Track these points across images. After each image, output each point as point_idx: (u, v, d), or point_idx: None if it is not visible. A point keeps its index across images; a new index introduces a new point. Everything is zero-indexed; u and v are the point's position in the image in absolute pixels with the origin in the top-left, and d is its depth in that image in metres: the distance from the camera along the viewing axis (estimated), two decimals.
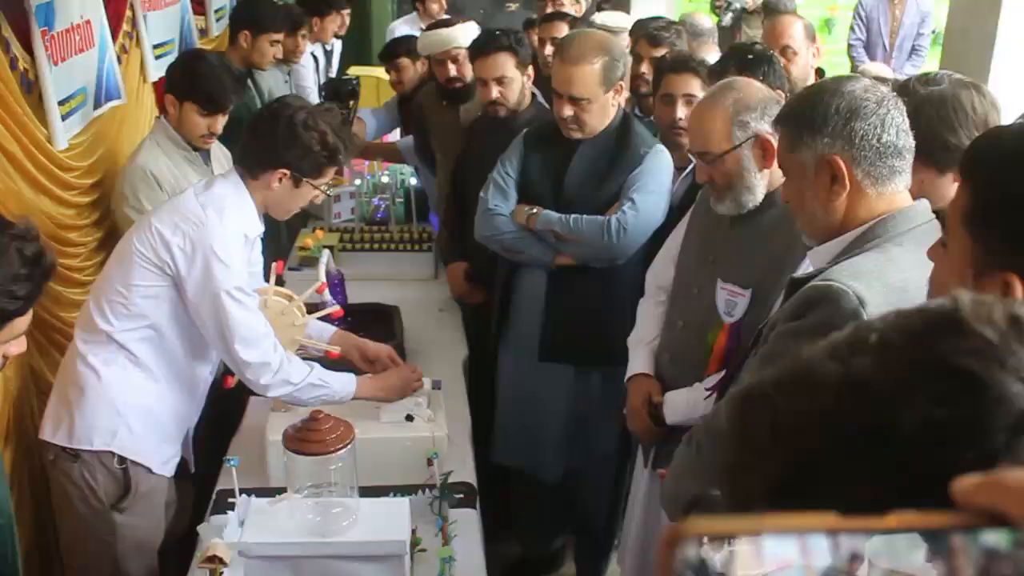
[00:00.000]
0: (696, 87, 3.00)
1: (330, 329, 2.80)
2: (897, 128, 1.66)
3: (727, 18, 6.22)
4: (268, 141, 2.42)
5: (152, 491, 2.48)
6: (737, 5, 6.36)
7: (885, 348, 0.59)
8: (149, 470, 2.47)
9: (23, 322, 1.56)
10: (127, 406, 2.42)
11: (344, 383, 2.53)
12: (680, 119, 3.01)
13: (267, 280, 2.64)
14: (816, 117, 1.68)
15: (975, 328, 0.57)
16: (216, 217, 2.36)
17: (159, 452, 2.49)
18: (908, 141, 1.68)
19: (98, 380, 2.39)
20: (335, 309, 2.82)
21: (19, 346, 1.61)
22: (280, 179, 2.43)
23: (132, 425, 2.42)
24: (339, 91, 4.60)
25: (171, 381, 2.49)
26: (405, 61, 4.55)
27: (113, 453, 2.40)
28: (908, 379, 0.57)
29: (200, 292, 2.34)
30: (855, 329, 0.62)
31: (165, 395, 2.48)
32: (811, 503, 0.56)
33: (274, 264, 2.69)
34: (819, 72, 3.75)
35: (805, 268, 1.97)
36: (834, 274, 1.61)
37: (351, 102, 4.56)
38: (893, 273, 1.58)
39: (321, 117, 2.44)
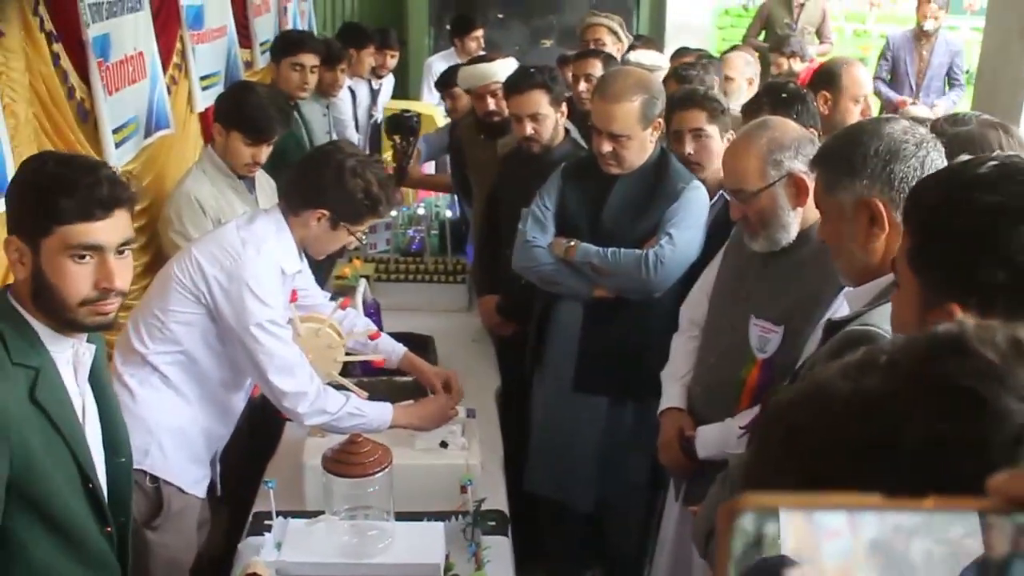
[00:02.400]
0: (703, 120, 3.04)
1: (401, 349, 2.90)
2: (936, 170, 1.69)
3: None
4: (314, 181, 2.48)
5: (184, 510, 2.51)
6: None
7: (893, 368, 0.63)
8: (181, 490, 2.49)
9: (82, 232, 1.67)
10: (159, 426, 2.45)
11: (380, 412, 2.57)
12: (690, 154, 3.05)
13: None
14: (856, 159, 1.68)
15: (978, 349, 0.61)
16: (254, 252, 2.42)
17: (190, 472, 2.52)
18: None
19: (132, 399, 2.42)
20: (373, 331, 2.86)
21: (123, 273, 1.74)
22: (319, 219, 2.49)
23: (164, 445, 2.45)
24: (402, 126, 4.69)
25: (203, 404, 2.53)
26: (459, 90, 4.65)
27: (145, 472, 2.41)
28: (913, 396, 0.61)
29: (235, 324, 2.40)
30: (866, 351, 0.66)
31: (197, 417, 2.52)
32: None
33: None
34: None
35: (841, 309, 1.99)
36: (874, 319, 1.61)
37: (411, 138, 4.66)
38: None
39: (369, 168, 2.50)
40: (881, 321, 1.59)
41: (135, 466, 2.34)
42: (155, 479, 2.44)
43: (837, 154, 1.74)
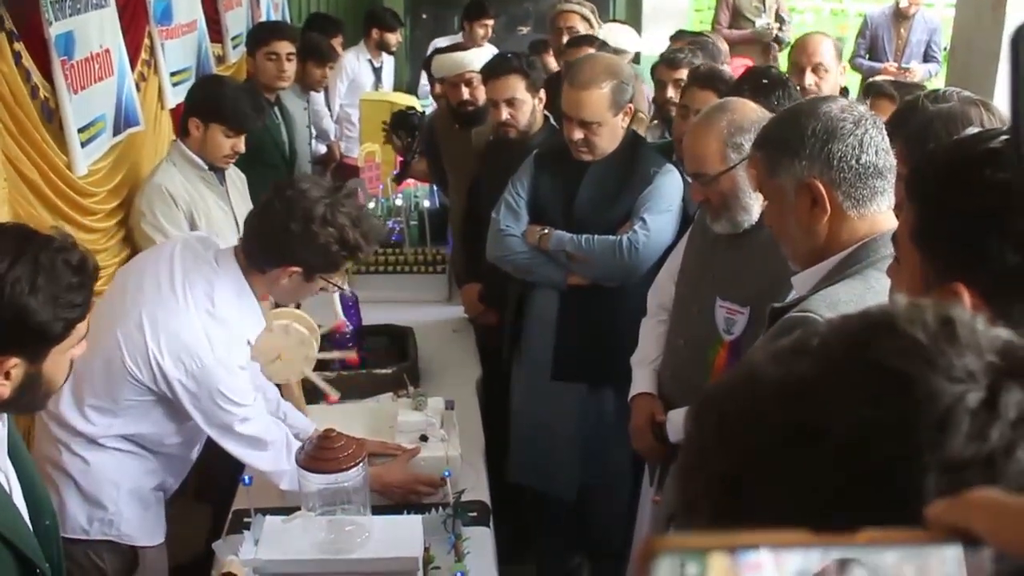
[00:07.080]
0: None
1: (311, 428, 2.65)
2: (876, 148, 1.65)
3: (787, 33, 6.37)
4: (279, 237, 2.27)
5: (157, 558, 2.48)
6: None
7: (823, 351, 0.62)
8: (151, 546, 2.45)
9: (83, 326, 1.67)
10: (121, 492, 2.36)
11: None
12: None
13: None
14: (793, 140, 1.67)
15: (906, 330, 0.60)
16: (222, 351, 2.26)
17: (158, 529, 2.48)
18: (888, 160, 1.67)
19: (87, 467, 2.33)
20: (339, 322, 2.82)
21: (82, 348, 1.72)
22: (290, 275, 2.32)
23: (126, 512, 2.37)
24: (405, 123, 4.66)
25: (159, 459, 2.44)
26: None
27: (115, 542, 2.36)
28: (841, 380, 0.59)
29: (208, 424, 2.33)
30: (800, 335, 0.65)
31: (155, 470, 2.44)
32: (754, 502, 0.59)
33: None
34: (844, 91, 3.77)
35: (790, 294, 1.98)
36: (812, 304, 1.60)
37: (416, 133, 4.63)
38: (872, 302, 1.57)
39: (340, 209, 2.27)
40: (820, 308, 1.57)
41: (101, 537, 2.34)
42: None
43: (776, 137, 1.73)
